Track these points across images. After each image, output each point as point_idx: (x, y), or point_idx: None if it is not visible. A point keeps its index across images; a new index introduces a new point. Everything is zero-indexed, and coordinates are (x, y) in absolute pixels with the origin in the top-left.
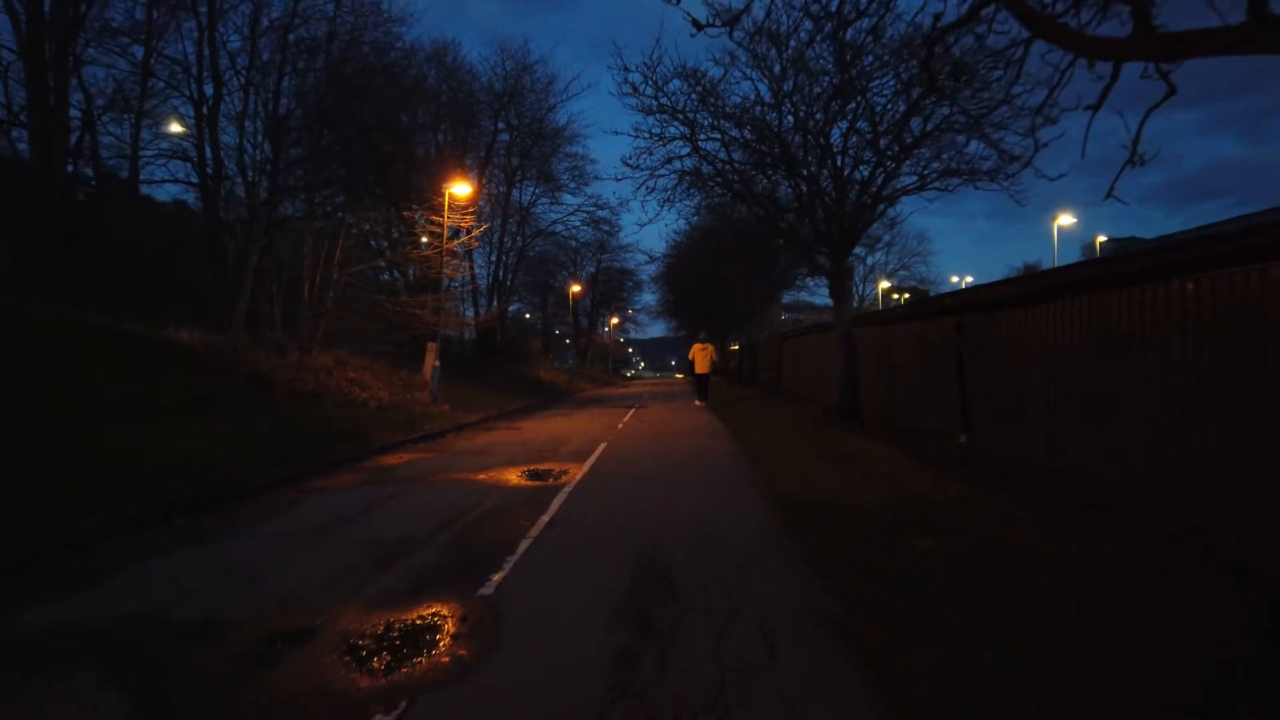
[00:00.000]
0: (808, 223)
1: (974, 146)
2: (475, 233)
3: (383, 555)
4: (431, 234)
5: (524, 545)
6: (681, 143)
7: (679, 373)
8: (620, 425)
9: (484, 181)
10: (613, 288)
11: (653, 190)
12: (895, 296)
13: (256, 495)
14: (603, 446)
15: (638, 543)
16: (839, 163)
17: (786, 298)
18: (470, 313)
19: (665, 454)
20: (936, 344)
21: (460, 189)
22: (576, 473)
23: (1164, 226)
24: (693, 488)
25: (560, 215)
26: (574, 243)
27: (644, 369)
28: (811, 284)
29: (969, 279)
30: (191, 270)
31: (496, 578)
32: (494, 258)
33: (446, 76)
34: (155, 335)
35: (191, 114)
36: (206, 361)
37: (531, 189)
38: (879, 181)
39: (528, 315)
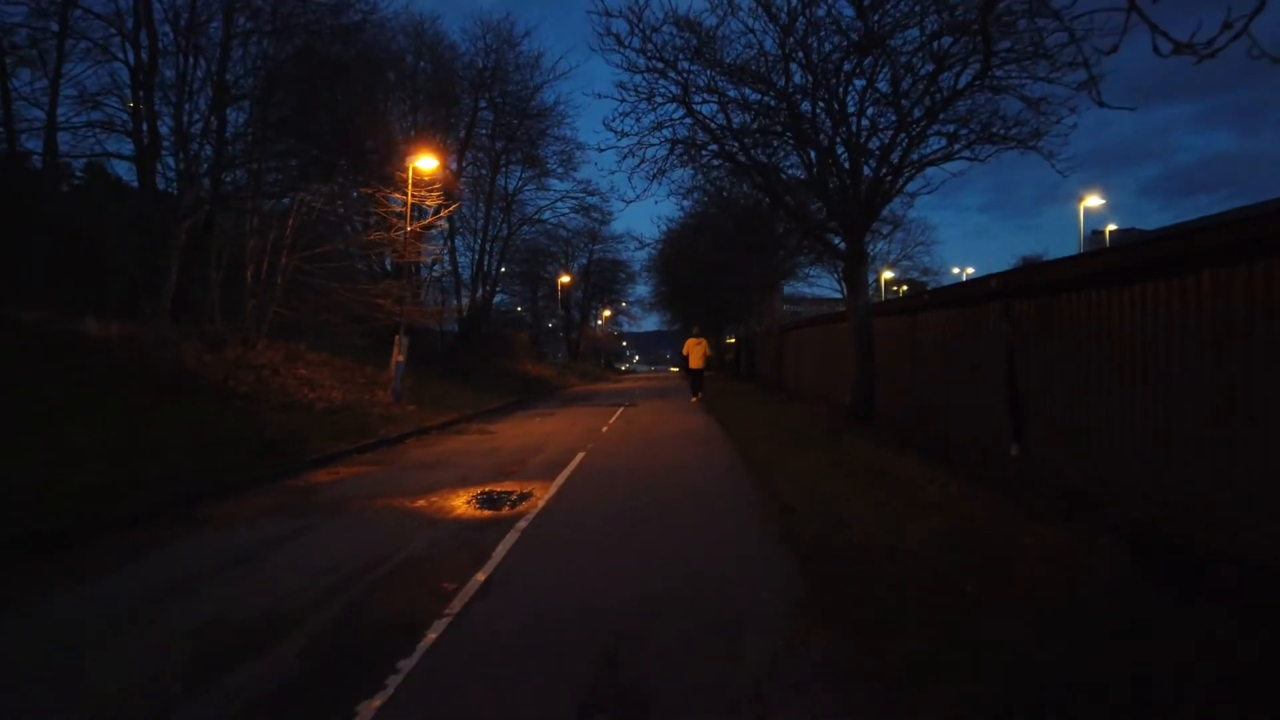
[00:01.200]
0: (817, 199)
1: (1010, 106)
2: (444, 212)
3: (217, 654)
4: (396, 214)
5: (432, 636)
6: (674, 105)
7: (674, 366)
8: (605, 429)
9: (463, 163)
10: (605, 279)
11: (641, 164)
12: (895, 288)
13: (126, 529)
14: (580, 457)
15: (602, 634)
16: (855, 127)
17: (785, 289)
18: (451, 303)
19: (652, 469)
20: (977, 335)
21: (425, 163)
22: (541, 497)
23: (1159, 219)
24: (685, 525)
25: (548, 202)
26: (564, 232)
27: (638, 363)
28: (812, 273)
29: (970, 270)
30: (143, 256)
31: (372, 707)
32: (477, 245)
33: (425, 51)
34: (53, 326)
35: (127, 83)
36: (118, 358)
37: (518, 174)
38: (900, 149)
39: (520, 309)
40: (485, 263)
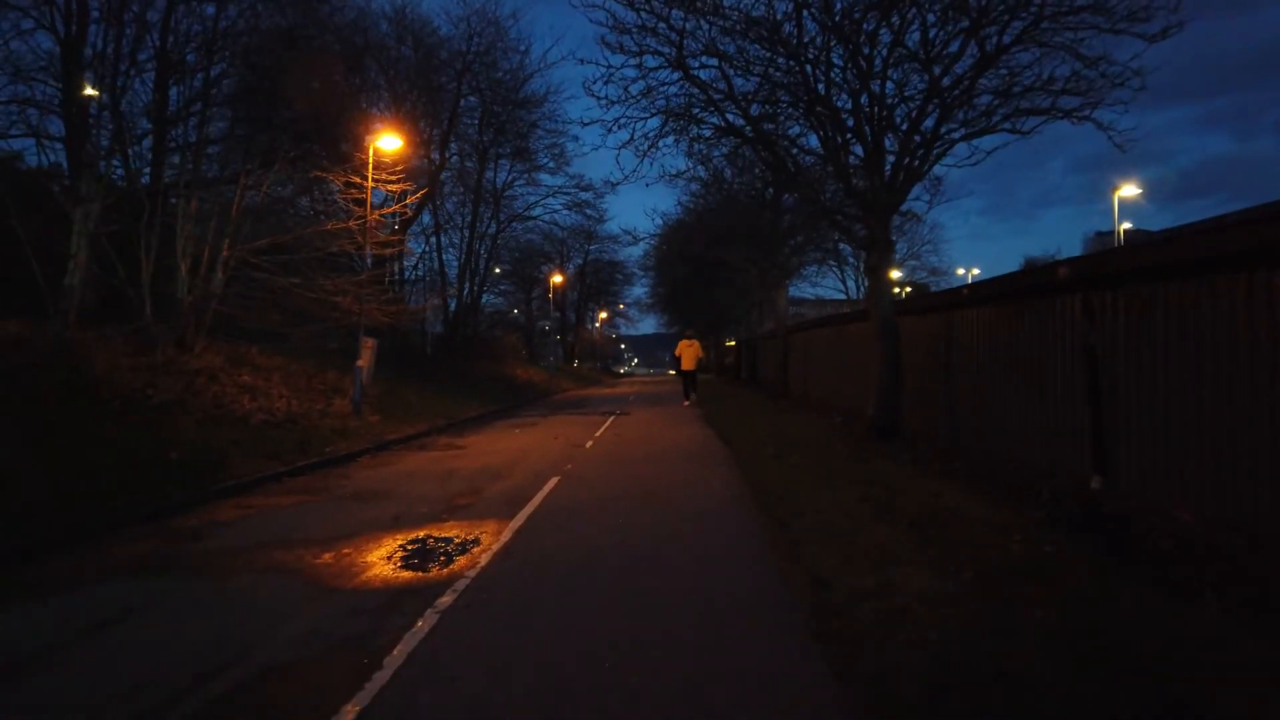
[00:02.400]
0: (835, 178)
1: (1061, 67)
2: (411, 199)
3: None
4: (355, 201)
5: None
6: (667, 70)
7: (672, 369)
8: (589, 443)
9: (447, 154)
10: (601, 280)
11: (630, 141)
12: (900, 290)
13: None
14: (552, 484)
15: None
16: (879, 90)
17: (787, 289)
18: (419, 302)
19: (637, 506)
20: (1040, 337)
21: (388, 142)
22: (487, 548)
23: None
24: (675, 608)
25: (539, 197)
26: (559, 231)
27: (637, 365)
28: (816, 273)
29: (975, 271)
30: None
31: None
32: (464, 242)
33: (408, 35)
34: None
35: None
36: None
37: (507, 168)
38: (933, 115)
39: (516, 311)
40: (473, 261)
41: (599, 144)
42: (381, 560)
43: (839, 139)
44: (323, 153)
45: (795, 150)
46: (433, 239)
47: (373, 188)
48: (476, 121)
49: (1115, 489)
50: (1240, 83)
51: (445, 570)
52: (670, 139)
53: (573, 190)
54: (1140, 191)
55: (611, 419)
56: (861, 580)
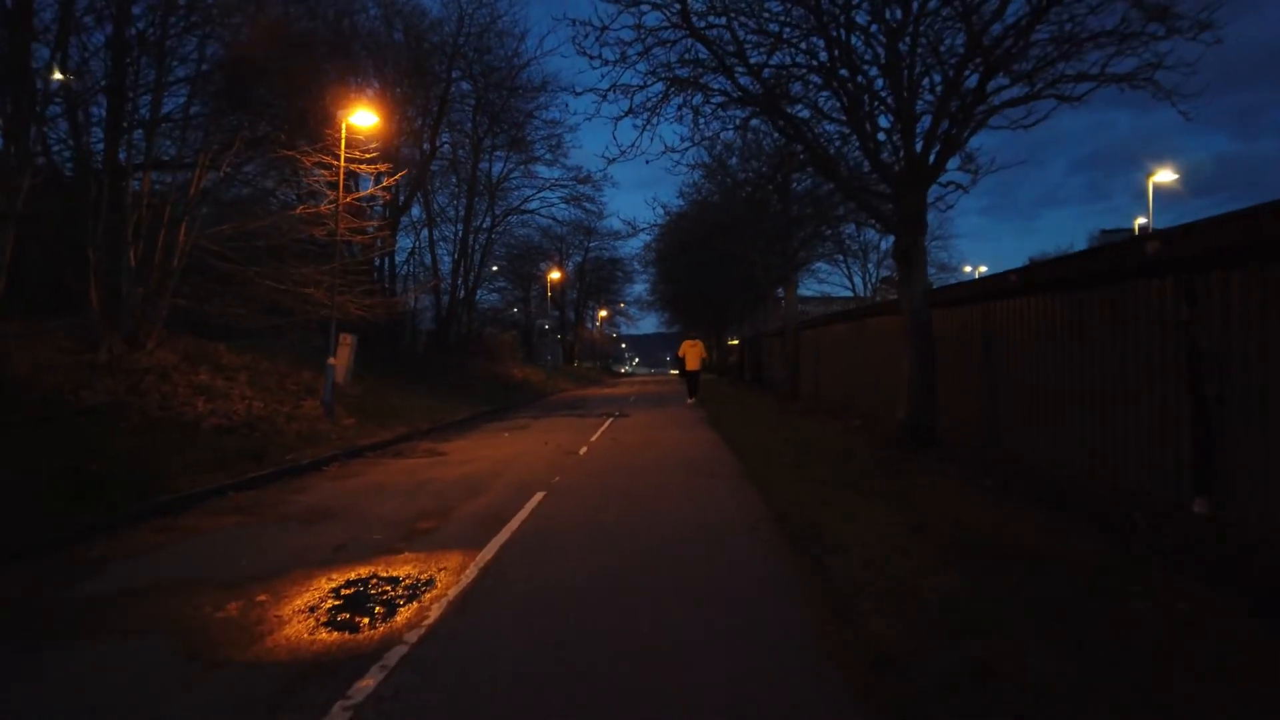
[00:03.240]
0: (860, 150)
1: (1112, 21)
2: (388, 181)
3: None
4: (332, 184)
5: None
6: (670, 29)
7: (674, 369)
8: (583, 450)
9: (438, 143)
10: (602, 278)
11: (629, 112)
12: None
13: None
14: (535, 502)
15: None
16: (910, 46)
17: (772, 293)
18: (418, 298)
19: (637, 530)
20: (1117, 329)
21: (362, 118)
22: (443, 594)
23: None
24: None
25: (534, 191)
26: (558, 227)
27: (638, 365)
28: (820, 269)
29: (983, 268)
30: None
31: None
32: (457, 236)
33: (398, 19)
34: None
35: None
36: None
37: (503, 160)
38: (973, 80)
39: (516, 310)
40: (467, 255)
41: (593, 113)
42: (301, 613)
43: (865, 104)
44: (292, 130)
45: (814, 118)
46: (424, 232)
47: (348, 169)
48: (470, 110)
49: (1225, 512)
50: (1242, 82)
51: (380, 630)
52: (673, 107)
53: (570, 183)
54: (1176, 177)
55: (609, 421)
56: (945, 661)
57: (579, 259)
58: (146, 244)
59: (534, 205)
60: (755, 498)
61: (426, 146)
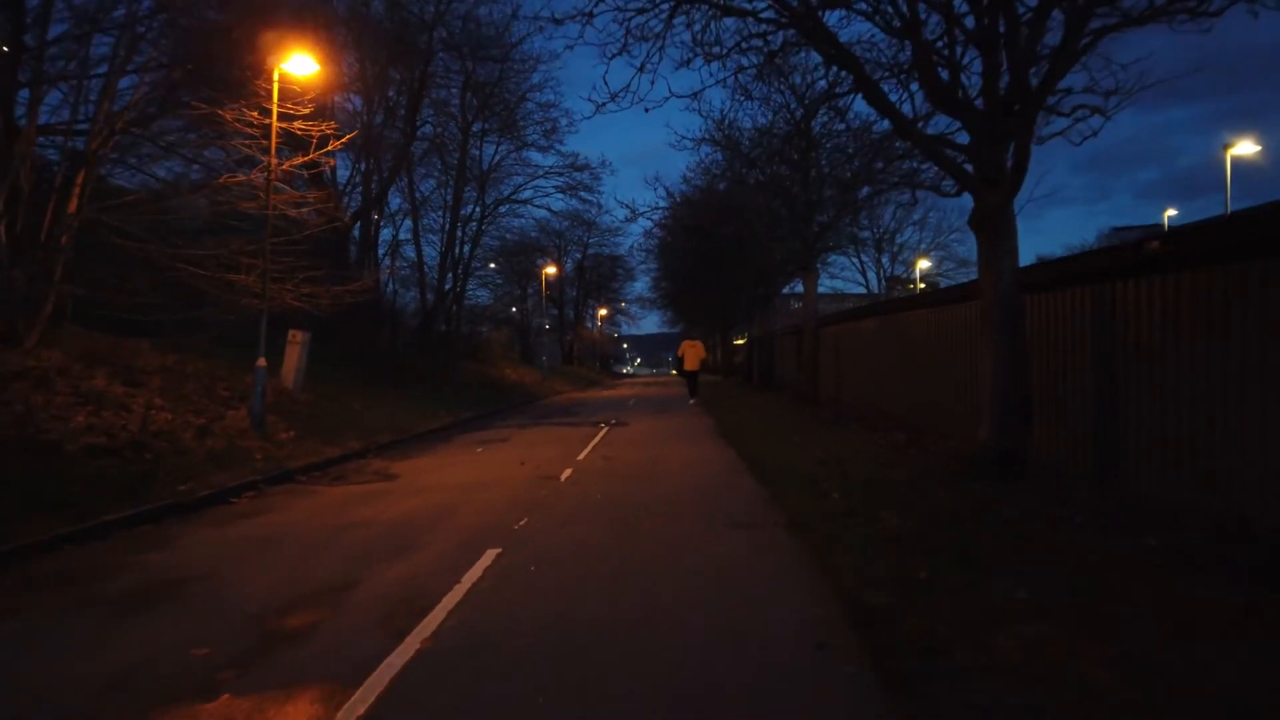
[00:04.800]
0: (923, 85)
1: None
2: (334, 145)
3: None
4: (257, 144)
5: None
6: None
7: (674, 369)
8: (566, 474)
9: (417, 119)
10: (602, 276)
11: (624, 49)
12: (912, 286)
13: None
14: (484, 566)
15: None
16: None
17: (786, 285)
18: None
19: (626, 656)
20: None
21: (298, 65)
22: None
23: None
24: None
25: (526, 180)
26: (556, 222)
27: (640, 365)
28: (835, 264)
29: None
30: None
31: None
32: (445, 227)
33: None
34: None
35: None
36: None
37: (494, 144)
38: None
39: (514, 310)
40: (455, 247)
41: (575, 40)
42: None
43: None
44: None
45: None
46: (404, 222)
47: (287, 130)
48: (458, 90)
49: None
50: (1243, 82)
51: None
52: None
53: (566, 170)
54: (1259, 149)
55: (604, 432)
56: None
57: (578, 255)
58: (30, 218)
59: (527, 194)
60: (809, 566)
61: (404, 127)
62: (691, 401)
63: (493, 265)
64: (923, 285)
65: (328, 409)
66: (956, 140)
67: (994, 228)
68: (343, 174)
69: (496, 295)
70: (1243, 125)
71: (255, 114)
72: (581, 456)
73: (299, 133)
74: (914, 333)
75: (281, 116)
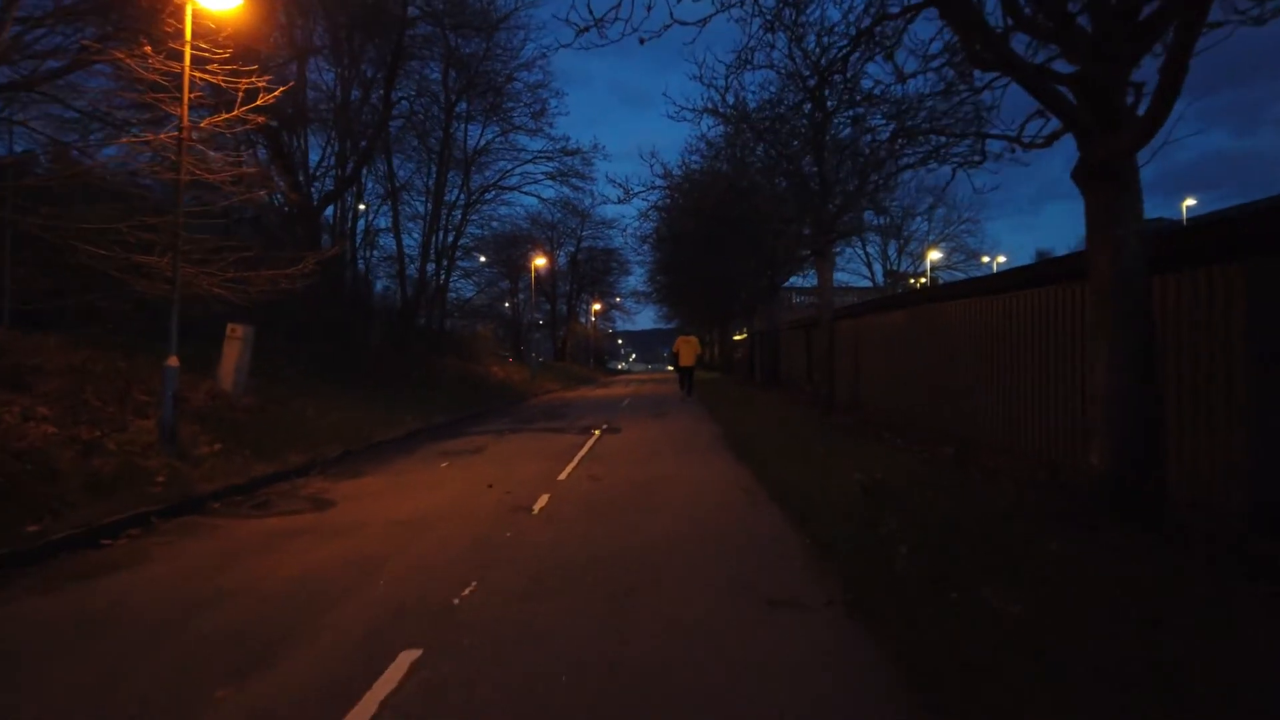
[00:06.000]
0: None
1: None
2: (264, 99)
3: None
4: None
5: None
6: None
7: (670, 365)
8: (539, 503)
9: (391, 93)
10: (596, 270)
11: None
12: (914, 280)
13: None
14: (392, 682)
15: None
16: None
17: (783, 281)
18: (392, 286)
19: None
20: None
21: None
22: None
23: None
24: None
25: (513, 165)
26: (547, 214)
27: (635, 361)
28: (840, 256)
29: (1001, 259)
30: None
31: None
32: (427, 213)
33: None
34: None
35: None
36: None
37: (480, 126)
38: None
39: (507, 305)
40: (437, 236)
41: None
42: None
43: None
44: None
45: None
46: (381, 209)
47: (203, 80)
48: (439, 66)
49: None
50: (1242, 78)
51: None
52: None
53: (557, 154)
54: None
55: (592, 440)
56: None
57: (572, 248)
58: None
59: (515, 180)
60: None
61: (379, 99)
62: (688, 398)
63: (482, 259)
64: (923, 281)
65: (273, 415)
66: (1056, 70)
67: (1113, 182)
68: (314, 156)
69: (485, 289)
70: (1239, 120)
71: (160, 58)
72: (564, 475)
73: (225, 85)
74: (956, 327)
75: (198, 62)
